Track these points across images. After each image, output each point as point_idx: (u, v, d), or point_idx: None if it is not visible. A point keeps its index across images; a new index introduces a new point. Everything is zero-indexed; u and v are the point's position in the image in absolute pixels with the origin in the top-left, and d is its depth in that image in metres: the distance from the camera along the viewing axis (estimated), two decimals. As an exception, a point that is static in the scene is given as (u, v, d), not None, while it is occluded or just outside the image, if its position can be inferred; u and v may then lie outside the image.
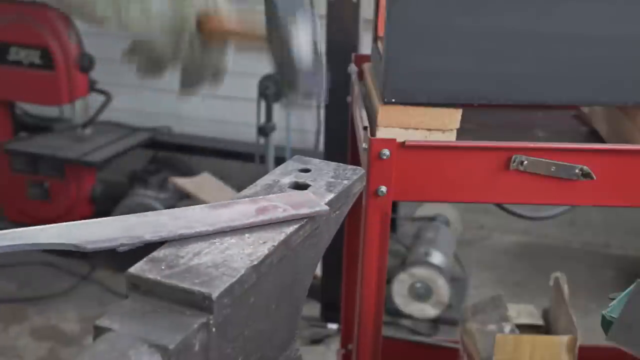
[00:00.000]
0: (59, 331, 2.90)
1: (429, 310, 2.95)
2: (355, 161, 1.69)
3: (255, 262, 0.82)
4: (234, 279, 0.78)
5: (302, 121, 3.70)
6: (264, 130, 3.28)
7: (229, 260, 0.82)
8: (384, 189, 1.39)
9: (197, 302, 0.75)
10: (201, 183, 3.49)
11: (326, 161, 1.09)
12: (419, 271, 2.92)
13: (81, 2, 1.17)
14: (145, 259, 0.81)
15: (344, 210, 1.03)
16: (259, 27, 1.27)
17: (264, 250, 0.84)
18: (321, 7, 3.08)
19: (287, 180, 1.03)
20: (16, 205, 3.50)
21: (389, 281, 2.86)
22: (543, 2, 1.38)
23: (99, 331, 0.73)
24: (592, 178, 1.37)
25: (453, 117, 1.43)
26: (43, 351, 2.79)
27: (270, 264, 0.84)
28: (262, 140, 3.33)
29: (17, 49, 3.27)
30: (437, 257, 3.01)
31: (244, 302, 0.81)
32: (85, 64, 3.35)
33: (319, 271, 2.86)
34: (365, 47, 2.60)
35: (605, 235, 3.59)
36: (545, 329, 1.96)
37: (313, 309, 2.96)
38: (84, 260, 3.28)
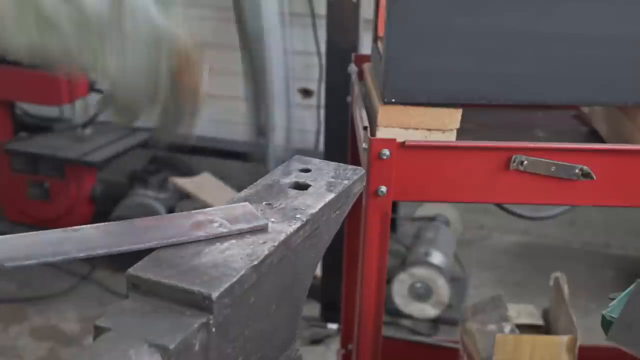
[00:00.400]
0: (59, 331, 2.90)
1: (429, 310, 2.95)
2: (355, 161, 1.69)
3: (256, 262, 0.82)
4: (234, 279, 0.78)
5: (302, 121, 3.70)
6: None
7: (229, 260, 0.82)
8: (384, 189, 1.39)
9: (197, 302, 0.75)
10: (201, 183, 3.49)
11: (326, 161, 1.09)
12: (419, 271, 2.92)
13: (65, 52, 1.17)
14: (145, 259, 0.81)
15: (344, 210, 1.03)
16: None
17: (264, 250, 0.84)
18: (321, 7, 3.08)
19: (287, 180, 1.03)
20: (16, 205, 3.50)
21: (389, 281, 2.86)
22: (543, 2, 1.38)
23: (99, 331, 0.73)
24: (592, 178, 1.37)
25: (453, 117, 1.43)
26: (43, 351, 2.79)
27: (270, 264, 0.84)
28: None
29: (17, 49, 3.27)
30: (437, 257, 3.01)
31: (244, 302, 0.81)
32: (85, 64, 3.34)
33: (319, 271, 2.86)
34: (365, 47, 2.60)
35: (605, 235, 3.58)
36: (545, 329, 1.96)
37: (313, 309, 2.96)
38: (84, 260, 3.28)
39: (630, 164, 1.40)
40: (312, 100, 3.68)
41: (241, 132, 3.76)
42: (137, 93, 1.20)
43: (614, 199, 1.44)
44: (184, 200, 3.43)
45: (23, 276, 3.23)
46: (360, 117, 1.55)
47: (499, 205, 2.56)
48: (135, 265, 0.80)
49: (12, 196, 3.48)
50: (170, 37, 1.18)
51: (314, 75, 3.55)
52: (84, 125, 3.47)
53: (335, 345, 2.77)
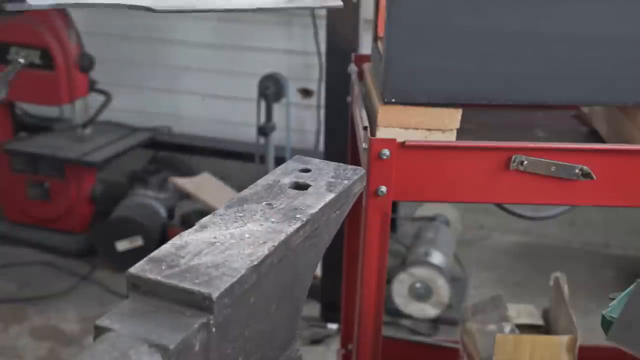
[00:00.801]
0: (59, 331, 2.90)
1: (429, 310, 2.95)
2: (355, 161, 1.69)
3: (256, 262, 0.81)
4: (234, 279, 0.78)
5: (302, 121, 3.70)
6: (264, 130, 3.28)
7: (229, 260, 0.82)
8: (384, 189, 1.39)
9: (198, 302, 0.75)
10: (201, 183, 3.49)
11: (326, 161, 1.09)
12: (419, 271, 2.92)
13: None
14: (145, 259, 0.81)
15: (344, 210, 1.03)
16: None
17: (264, 250, 0.84)
18: (321, 7, 3.08)
19: (287, 180, 1.03)
20: (16, 205, 3.50)
21: (389, 281, 2.86)
22: (543, 2, 1.38)
23: (99, 331, 0.73)
24: (592, 178, 1.37)
25: (453, 117, 1.43)
26: (43, 351, 2.79)
27: (270, 264, 0.84)
28: (262, 140, 3.33)
29: (17, 49, 3.27)
30: (437, 257, 3.01)
31: (244, 302, 0.81)
32: (85, 64, 3.35)
33: (319, 271, 2.86)
34: (365, 47, 2.60)
35: (605, 235, 3.59)
36: (545, 329, 1.96)
37: (313, 309, 2.96)
38: (84, 260, 3.28)
39: (630, 164, 1.40)
40: (312, 100, 3.68)
41: (241, 132, 3.77)
42: None
43: (614, 199, 1.44)
44: (184, 200, 3.43)
45: (23, 276, 3.23)
46: (360, 117, 1.55)
47: (499, 205, 2.56)
48: (135, 265, 0.80)
49: (12, 196, 3.49)
50: None
51: (314, 75, 3.55)
52: (84, 125, 3.47)
53: (335, 345, 2.77)
